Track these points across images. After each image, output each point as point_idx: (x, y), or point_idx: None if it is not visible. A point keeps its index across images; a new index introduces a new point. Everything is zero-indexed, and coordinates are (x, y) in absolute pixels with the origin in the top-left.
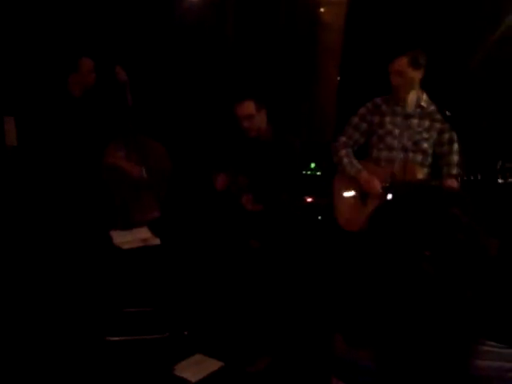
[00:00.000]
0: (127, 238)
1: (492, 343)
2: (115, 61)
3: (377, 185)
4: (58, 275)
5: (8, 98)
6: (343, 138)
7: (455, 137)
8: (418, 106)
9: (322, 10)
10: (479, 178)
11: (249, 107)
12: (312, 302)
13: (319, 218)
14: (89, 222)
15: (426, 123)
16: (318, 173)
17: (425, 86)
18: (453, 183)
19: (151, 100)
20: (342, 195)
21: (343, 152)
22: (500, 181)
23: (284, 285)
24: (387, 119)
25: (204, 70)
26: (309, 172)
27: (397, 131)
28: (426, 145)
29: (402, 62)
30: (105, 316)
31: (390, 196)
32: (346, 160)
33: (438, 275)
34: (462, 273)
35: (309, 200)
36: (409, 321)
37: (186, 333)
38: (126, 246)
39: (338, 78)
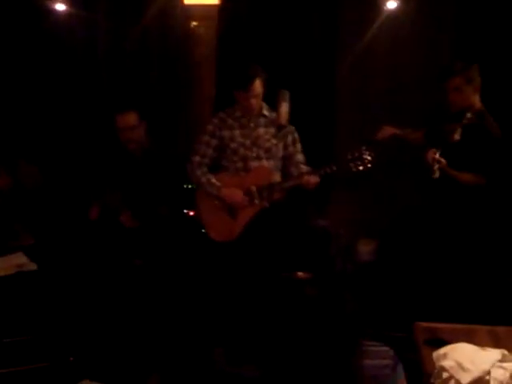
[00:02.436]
0: (2, 265)
1: (370, 342)
2: None
3: (240, 196)
4: None
5: None
6: (197, 158)
7: (297, 137)
8: (261, 115)
9: (194, 23)
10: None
11: (131, 118)
12: (194, 316)
13: (203, 231)
14: None
15: (272, 130)
16: None
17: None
18: (315, 178)
19: (22, 117)
20: (207, 210)
21: (199, 172)
22: (353, 169)
23: (167, 300)
24: (237, 132)
25: (75, 84)
26: (189, 186)
27: (248, 142)
28: (275, 150)
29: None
30: None
31: (266, 204)
32: (203, 180)
33: (319, 295)
34: (339, 285)
35: (191, 214)
36: (294, 333)
37: (71, 359)
38: (0, 273)
39: (215, 92)
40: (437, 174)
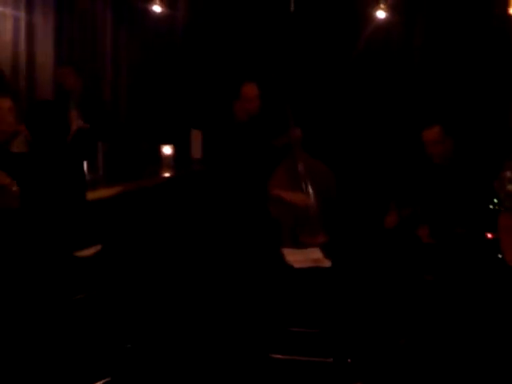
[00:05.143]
0: (299, 257)
1: None
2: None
3: None
4: (228, 287)
5: (196, 114)
6: (508, 173)
7: None
8: None
9: None
10: None
11: (436, 133)
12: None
13: (499, 256)
14: (260, 238)
15: None
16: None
17: None
18: None
19: (325, 123)
20: (509, 234)
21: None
22: None
23: (456, 323)
24: None
25: (389, 94)
26: (492, 206)
27: None
28: None
29: None
30: (271, 332)
31: None
32: None
33: None
34: None
35: (490, 236)
36: None
37: (349, 360)
38: (297, 265)
39: None
40: None
